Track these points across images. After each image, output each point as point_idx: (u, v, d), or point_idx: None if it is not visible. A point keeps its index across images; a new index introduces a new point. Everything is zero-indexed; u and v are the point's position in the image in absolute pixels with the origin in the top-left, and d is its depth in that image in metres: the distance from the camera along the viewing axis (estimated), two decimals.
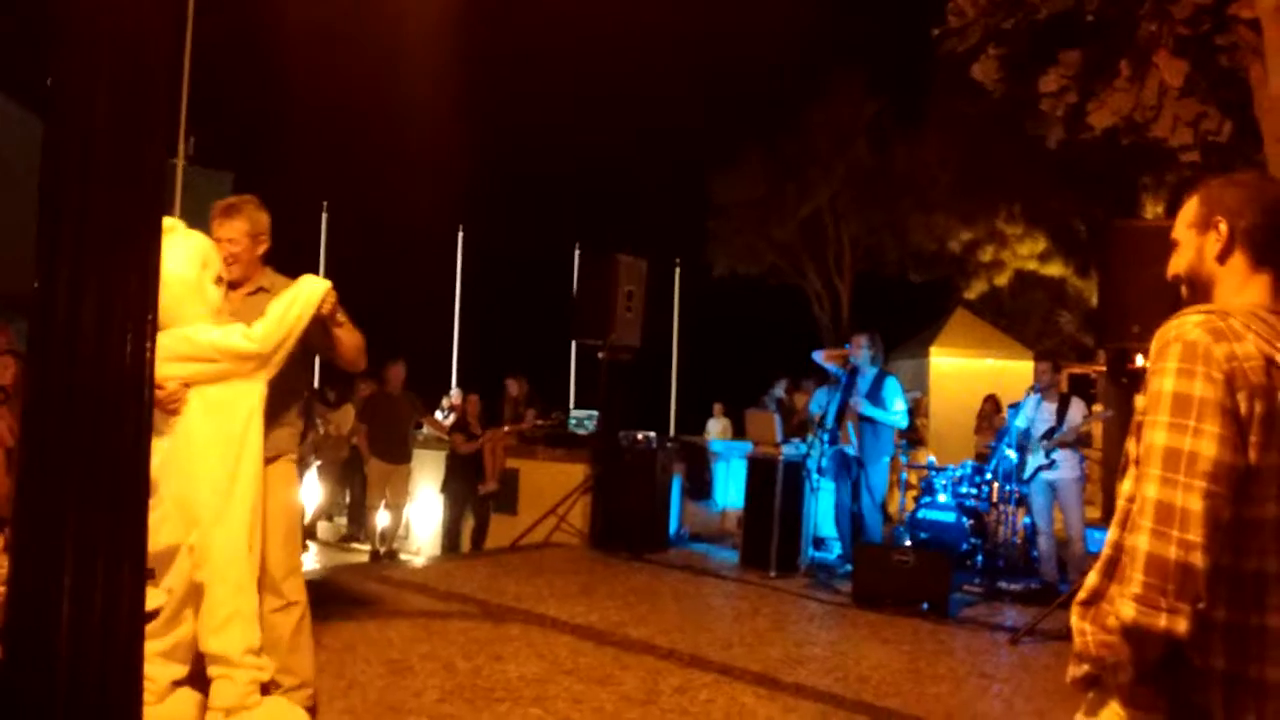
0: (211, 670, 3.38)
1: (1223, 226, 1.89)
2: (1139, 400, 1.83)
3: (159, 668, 3.28)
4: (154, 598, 3.08)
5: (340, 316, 3.70)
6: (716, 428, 14.99)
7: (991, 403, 12.15)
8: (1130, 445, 1.85)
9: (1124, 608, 1.66)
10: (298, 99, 22.65)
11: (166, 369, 3.29)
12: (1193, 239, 1.95)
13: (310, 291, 3.58)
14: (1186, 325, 1.76)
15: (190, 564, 3.36)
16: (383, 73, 22.02)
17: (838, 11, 17.80)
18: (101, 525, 1.56)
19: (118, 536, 1.57)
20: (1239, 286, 1.87)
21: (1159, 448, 1.69)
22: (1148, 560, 1.64)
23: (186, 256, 3.39)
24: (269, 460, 3.62)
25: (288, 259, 4.02)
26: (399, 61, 21.66)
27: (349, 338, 3.80)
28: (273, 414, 3.65)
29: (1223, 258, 1.90)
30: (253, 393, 3.47)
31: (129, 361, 1.61)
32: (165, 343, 3.27)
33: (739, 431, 13.66)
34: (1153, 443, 1.71)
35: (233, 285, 3.76)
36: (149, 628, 3.05)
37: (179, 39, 10.84)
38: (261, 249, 3.83)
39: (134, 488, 1.61)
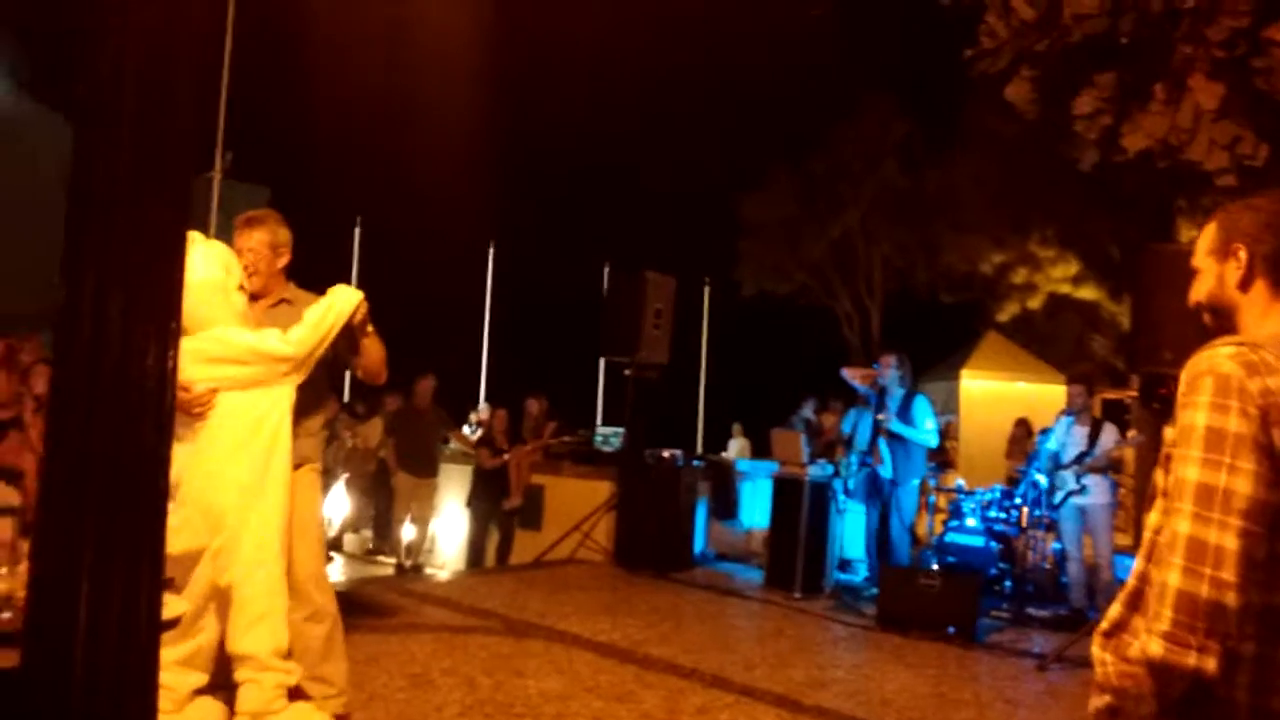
0: (239, 674, 3.40)
1: (1242, 254, 1.86)
2: (1168, 432, 1.80)
3: (178, 675, 3.30)
4: (174, 606, 3.10)
5: (369, 327, 3.76)
6: (736, 447, 14.93)
7: (1023, 427, 12.02)
8: (1158, 477, 1.83)
9: (1152, 645, 1.63)
10: (333, 115, 22.91)
11: (196, 371, 3.34)
12: (1213, 266, 1.91)
13: (345, 300, 3.65)
14: (1219, 358, 1.72)
15: (212, 570, 3.39)
16: (416, 90, 22.27)
17: (868, 32, 17.77)
18: (121, 531, 1.57)
19: (137, 542, 1.58)
20: (1263, 314, 1.84)
21: (1192, 483, 1.66)
22: (1178, 597, 1.61)
23: (210, 262, 3.47)
24: (295, 467, 3.66)
25: (321, 274, 4.08)
26: (433, 79, 21.89)
27: (374, 349, 3.86)
28: (297, 422, 3.68)
29: (1244, 285, 1.87)
30: (283, 398, 3.52)
31: (152, 369, 1.63)
32: (196, 345, 3.33)
33: (759, 451, 13.61)
34: (1185, 477, 1.68)
35: (254, 297, 3.83)
36: (168, 635, 3.08)
37: (211, 48, 11.01)
38: (282, 262, 3.88)
39: (154, 494, 1.62)
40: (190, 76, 1.74)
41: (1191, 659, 1.59)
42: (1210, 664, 1.59)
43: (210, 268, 3.47)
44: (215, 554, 3.39)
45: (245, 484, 3.41)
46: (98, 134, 1.65)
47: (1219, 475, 1.64)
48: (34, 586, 1.59)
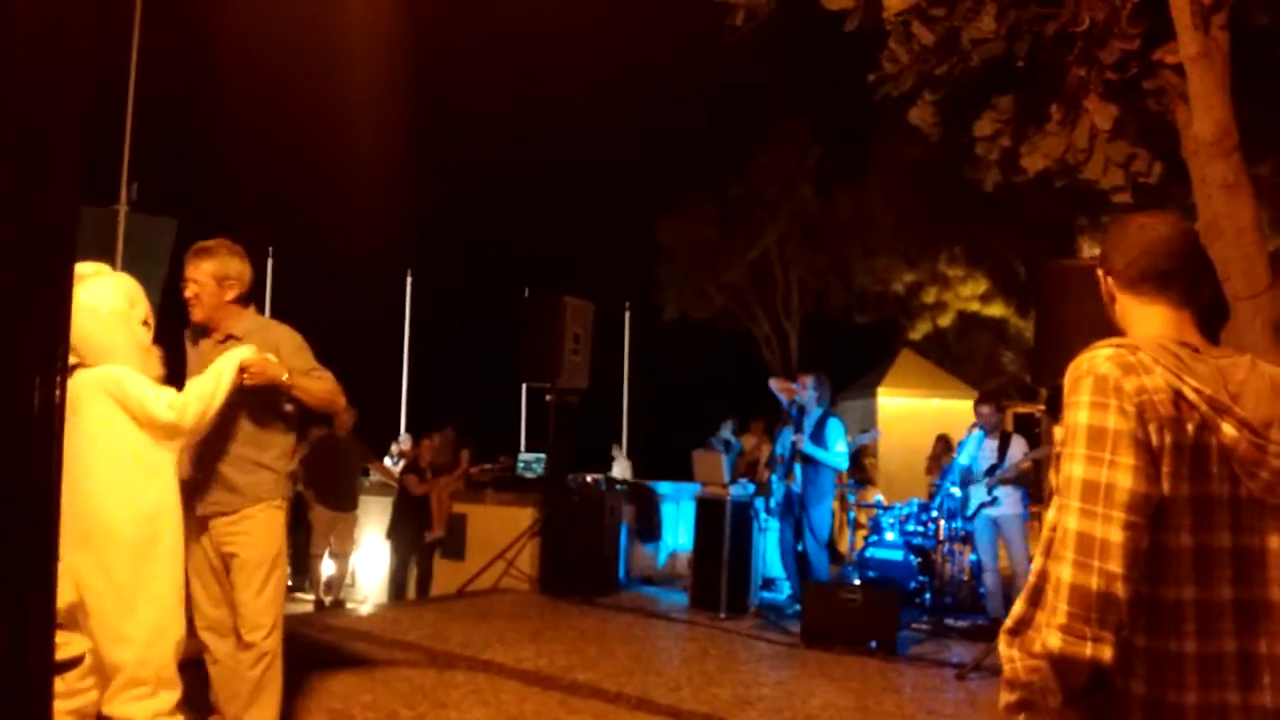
0: None
1: (1100, 273, 2.01)
2: (1057, 432, 1.87)
3: None
4: (75, 644, 2.99)
5: (286, 378, 3.67)
6: (619, 469, 14.79)
7: (942, 443, 12.26)
8: (1052, 476, 1.89)
9: (1050, 637, 1.69)
10: (243, 143, 22.54)
11: (93, 404, 3.22)
12: (1100, 279, 2.04)
13: (230, 366, 3.57)
14: (1098, 359, 1.81)
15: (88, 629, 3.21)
16: (329, 117, 22.03)
17: (781, 58, 18.13)
18: (8, 567, 1.52)
19: (24, 579, 1.53)
20: (1138, 321, 1.95)
21: (1077, 480, 1.73)
22: (1071, 591, 1.67)
23: (114, 293, 3.38)
24: (250, 504, 3.68)
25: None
26: (346, 106, 21.70)
27: (313, 388, 3.79)
28: (254, 457, 3.70)
29: (1110, 300, 2.01)
30: (165, 466, 3.40)
31: (38, 412, 1.58)
32: (96, 376, 3.22)
33: (639, 472, 13.64)
34: (1071, 475, 1.75)
35: (203, 331, 3.81)
36: (70, 677, 2.97)
37: (101, 73, 10.75)
38: (230, 294, 3.81)
39: (44, 528, 1.57)
40: (78, 105, 1.70)
41: (1088, 649, 1.65)
42: (1105, 653, 1.65)
43: (114, 298, 3.38)
44: (89, 613, 3.18)
45: (128, 551, 3.24)
46: None
47: (1101, 471, 1.71)
48: None
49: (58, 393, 1.57)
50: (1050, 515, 1.87)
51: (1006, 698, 1.87)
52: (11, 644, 1.48)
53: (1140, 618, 1.71)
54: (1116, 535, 1.66)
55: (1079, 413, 1.77)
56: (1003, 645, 1.86)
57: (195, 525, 3.77)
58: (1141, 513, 1.68)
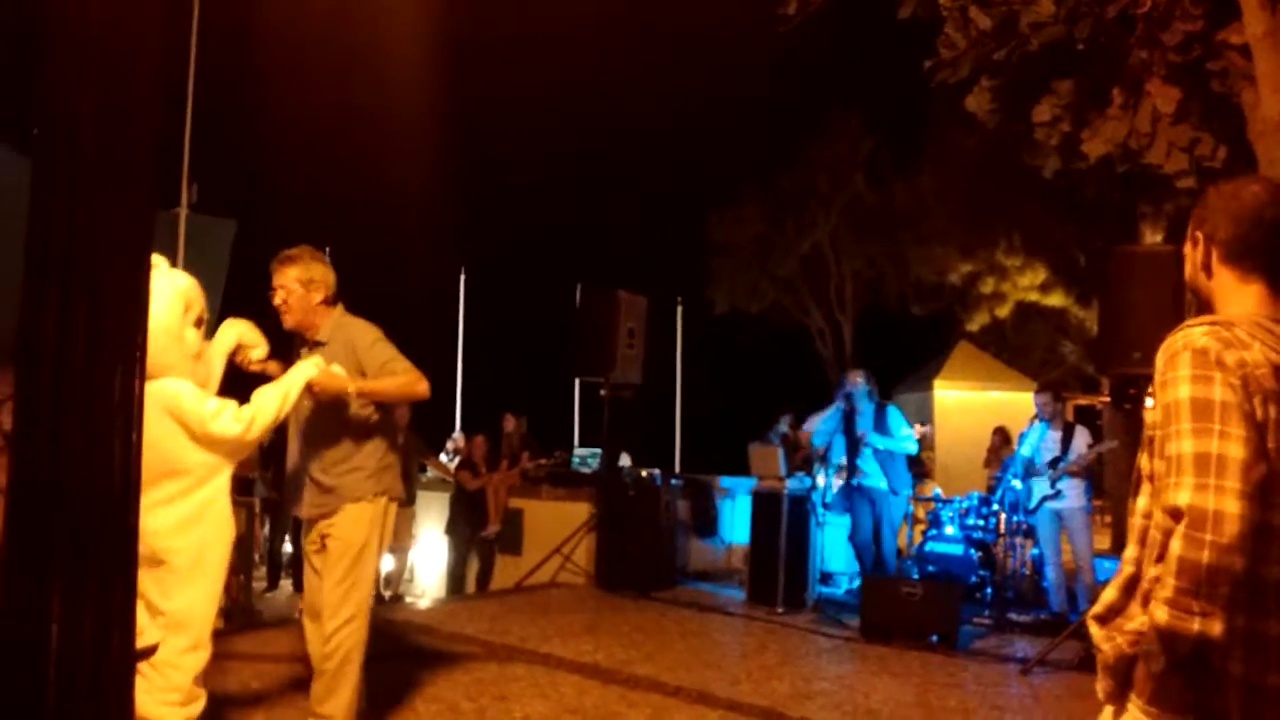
0: None
1: (1201, 241, 1.91)
2: (1149, 414, 1.82)
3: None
4: (150, 634, 3.05)
5: (352, 388, 3.73)
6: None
7: (1000, 435, 12.09)
8: (1143, 461, 1.85)
9: (1158, 611, 1.65)
10: (301, 145, 22.88)
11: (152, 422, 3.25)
12: (1188, 252, 1.97)
13: (298, 380, 3.64)
14: (1194, 334, 1.76)
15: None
16: (384, 118, 22.27)
17: (833, 48, 17.98)
18: (92, 561, 1.55)
19: (108, 573, 1.56)
20: (1231, 297, 1.87)
21: (1188, 455, 1.67)
22: (1180, 564, 1.63)
23: (169, 301, 3.31)
24: (341, 505, 3.79)
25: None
26: (401, 105, 21.92)
27: (383, 390, 3.85)
28: (343, 460, 3.81)
29: (1206, 270, 1.91)
30: (222, 480, 3.43)
31: (117, 402, 1.62)
32: (154, 391, 3.23)
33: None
34: (1181, 451, 1.68)
35: (294, 335, 3.94)
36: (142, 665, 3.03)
37: (171, 80, 10.95)
38: (317, 297, 3.90)
39: (124, 524, 1.61)
40: (149, 109, 1.73)
41: (1196, 624, 1.61)
42: (1215, 628, 1.61)
43: (166, 310, 3.29)
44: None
45: (167, 573, 3.26)
46: (55, 170, 1.64)
47: (1211, 442, 1.65)
48: (4, 617, 1.56)
49: (137, 382, 1.60)
50: (1141, 503, 1.82)
51: (1104, 685, 1.83)
52: (96, 631, 1.51)
53: (1241, 597, 1.66)
54: (1232, 507, 1.61)
55: (1179, 388, 1.72)
56: (1093, 629, 1.82)
57: (305, 525, 3.99)
58: (1255, 484, 1.63)
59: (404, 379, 3.82)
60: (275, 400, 3.53)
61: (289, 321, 3.92)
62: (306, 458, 3.92)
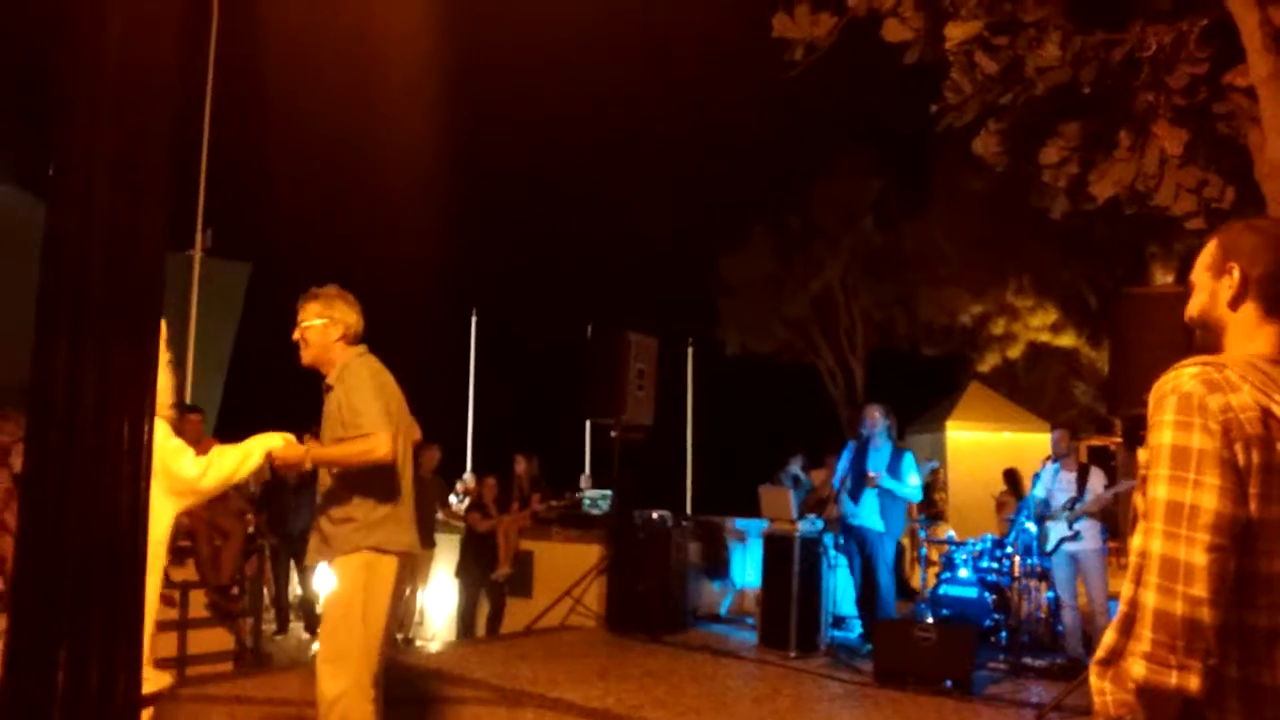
0: None
1: (1236, 273, 1.88)
2: (1142, 454, 1.82)
3: None
4: (157, 680, 3.04)
5: (308, 461, 3.77)
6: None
7: (1009, 480, 11.99)
8: (1137, 499, 1.84)
9: (1135, 666, 1.63)
10: (314, 187, 23.10)
11: None
12: (1207, 282, 1.94)
13: (256, 453, 3.66)
14: (1182, 378, 1.76)
15: None
16: (393, 160, 22.48)
17: (840, 91, 18.14)
18: (98, 608, 1.56)
19: (114, 619, 1.57)
20: (1248, 335, 1.86)
21: (1161, 501, 1.68)
22: (1155, 617, 1.62)
23: None
24: (338, 555, 3.78)
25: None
26: (409, 147, 22.13)
27: (342, 458, 3.84)
28: (339, 511, 3.79)
29: (1235, 304, 1.89)
30: (163, 512, 3.40)
31: (126, 450, 1.62)
32: None
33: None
34: (1155, 496, 1.70)
35: (318, 375, 3.95)
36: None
37: (182, 132, 11.10)
38: (335, 334, 3.92)
39: (130, 570, 1.61)
40: (161, 157, 1.76)
41: (1173, 678, 1.59)
42: (1192, 682, 1.59)
43: None
44: None
45: None
46: (69, 214, 1.67)
47: (1185, 491, 1.66)
48: (9, 665, 1.56)
49: (145, 433, 1.61)
50: (1136, 540, 1.81)
51: None
52: (102, 679, 1.51)
53: (1232, 648, 1.64)
54: (1200, 558, 1.61)
55: (1163, 433, 1.72)
56: (1094, 677, 1.80)
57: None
58: (1227, 534, 1.62)
59: (360, 446, 3.75)
60: (233, 460, 3.58)
61: (306, 357, 3.94)
62: (319, 507, 3.97)
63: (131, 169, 1.69)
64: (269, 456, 3.66)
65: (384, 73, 19.51)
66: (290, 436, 3.72)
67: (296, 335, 3.94)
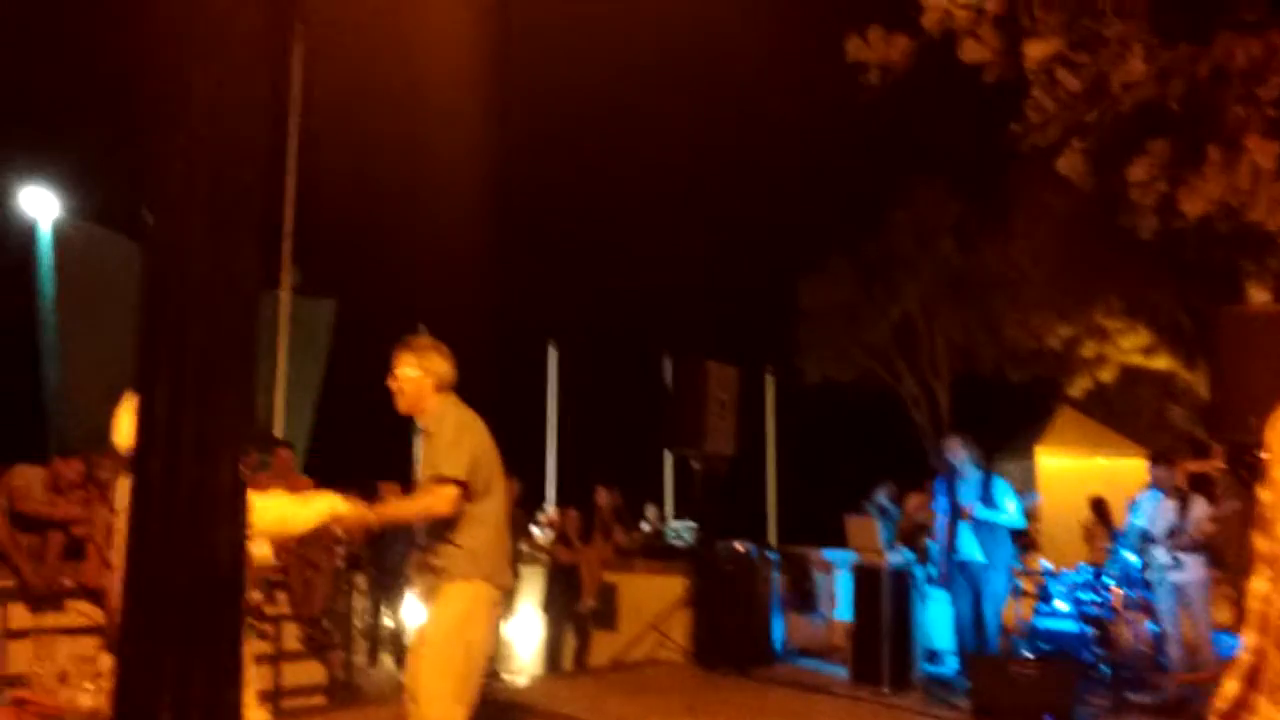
0: None
1: None
2: (1263, 493, 1.72)
3: None
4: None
5: (374, 522, 3.98)
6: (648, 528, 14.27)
7: (1097, 511, 11.61)
8: (1259, 541, 1.73)
9: None
10: (393, 226, 23.58)
11: None
12: None
13: (319, 513, 3.76)
14: None
15: None
16: (471, 196, 22.83)
17: (916, 113, 17.95)
18: (202, 643, 1.57)
19: (217, 654, 1.58)
20: None
21: None
22: None
23: None
24: (442, 586, 3.87)
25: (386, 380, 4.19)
26: (486, 183, 22.50)
27: (404, 519, 4.12)
28: (447, 540, 3.88)
29: None
30: None
31: (226, 488, 1.65)
32: None
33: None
34: None
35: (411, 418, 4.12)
36: None
37: (273, 176, 11.40)
38: (429, 384, 4.06)
39: (231, 606, 1.62)
40: (253, 198, 1.80)
41: None
42: None
43: None
44: None
45: None
46: (166, 256, 1.70)
47: None
48: (118, 704, 1.59)
49: (244, 470, 1.63)
50: (1258, 585, 1.70)
51: None
52: (204, 716, 1.52)
53: None
54: None
55: None
56: None
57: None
58: None
59: (424, 502, 3.93)
60: (285, 512, 3.71)
61: (401, 405, 4.10)
62: (423, 541, 4.04)
63: (226, 210, 1.73)
64: (337, 519, 3.78)
65: (461, 108, 19.87)
66: (348, 506, 3.83)
67: (392, 385, 4.09)
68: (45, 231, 12.48)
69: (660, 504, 16.23)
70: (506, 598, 4.17)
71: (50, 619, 6.60)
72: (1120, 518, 10.81)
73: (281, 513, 3.67)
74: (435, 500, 3.85)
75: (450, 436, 3.95)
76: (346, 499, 3.83)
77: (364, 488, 5.83)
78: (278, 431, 10.58)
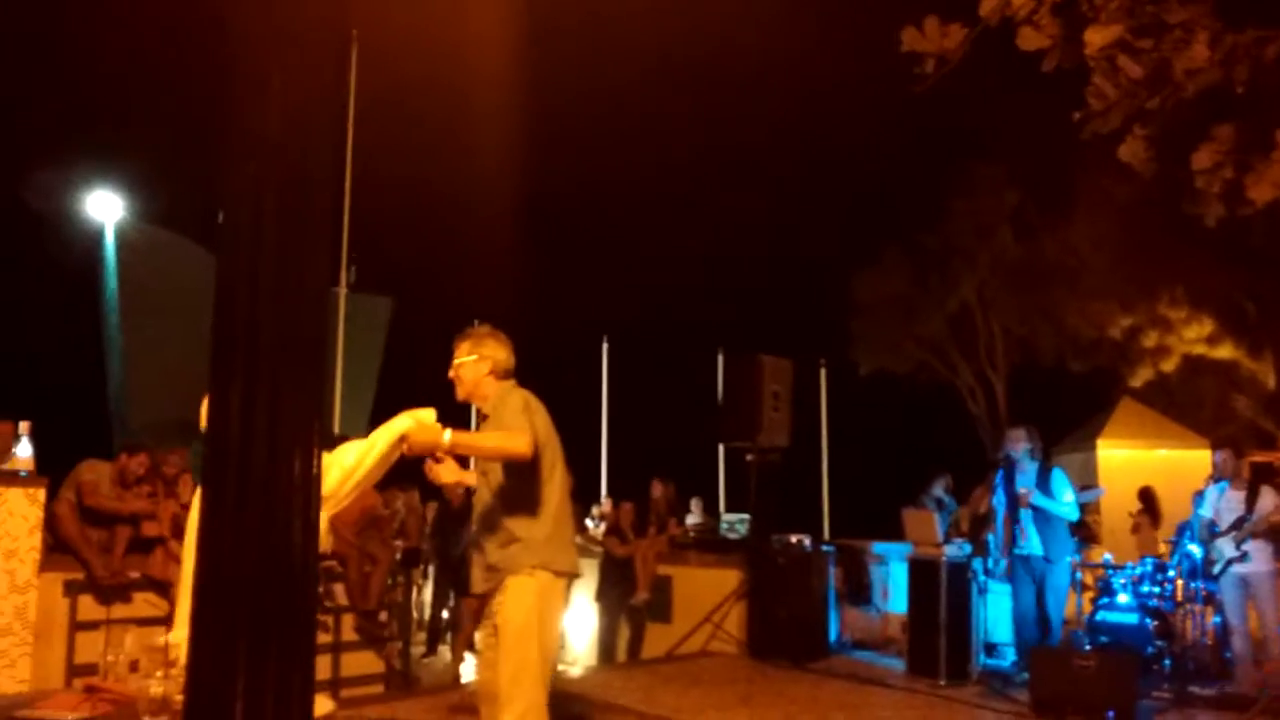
0: None
1: None
2: None
3: None
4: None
5: (446, 442, 3.76)
6: (692, 521, 14.25)
7: (1144, 500, 11.42)
8: None
9: None
10: (448, 223, 23.80)
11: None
12: None
13: (386, 436, 3.69)
14: None
15: None
16: (526, 195, 22.99)
17: (972, 102, 17.70)
18: (274, 635, 1.62)
19: (289, 646, 1.63)
20: None
21: None
22: None
23: None
24: (503, 581, 3.83)
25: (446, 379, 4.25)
26: (539, 180, 22.62)
27: (483, 448, 3.98)
28: (503, 532, 3.86)
29: None
30: None
31: (298, 484, 1.69)
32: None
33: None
34: None
35: (463, 405, 4.15)
36: None
37: (339, 176, 11.58)
38: (485, 369, 4.09)
39: (304, 598, 1.67)
40: (325, 199, 1.84)
41: None
42: None
43: None
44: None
45: None
46: (239, 258, 1.75)
47: None
48: (190, 694, 1.64)
49: (315, 466, 1.67)
50: None
51: None
52: (277, 709, 1.57)
53: None
54: None
55: None
56: None
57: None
58: None
59: (500, 435, 3.86)
60: (353, 454, 3.64)
61: (460, 393, 4.13)
62: (479, 533, 4.03)
63: (297, 212, 1.77)
64: (403, 439, 3.67)
65: (513, 107, 20.00)
66: (428, 413, 3.75)
67: (451, 373, 4.11)
68: (110, 234, 12.80)
69: (710, 497, 16.22)
70: (570, 583, 4.13)
71: (119, 610, 6.78)
72: (1174, 509, 10.62)
73: (354, 455, 3.64)
74: (511, 439, 3.79)
75: (516, 407, 3.91)
76: (420, 420, 3.71)
77: (422, 483, 5.90)
78: (334, 427, 10.76)
